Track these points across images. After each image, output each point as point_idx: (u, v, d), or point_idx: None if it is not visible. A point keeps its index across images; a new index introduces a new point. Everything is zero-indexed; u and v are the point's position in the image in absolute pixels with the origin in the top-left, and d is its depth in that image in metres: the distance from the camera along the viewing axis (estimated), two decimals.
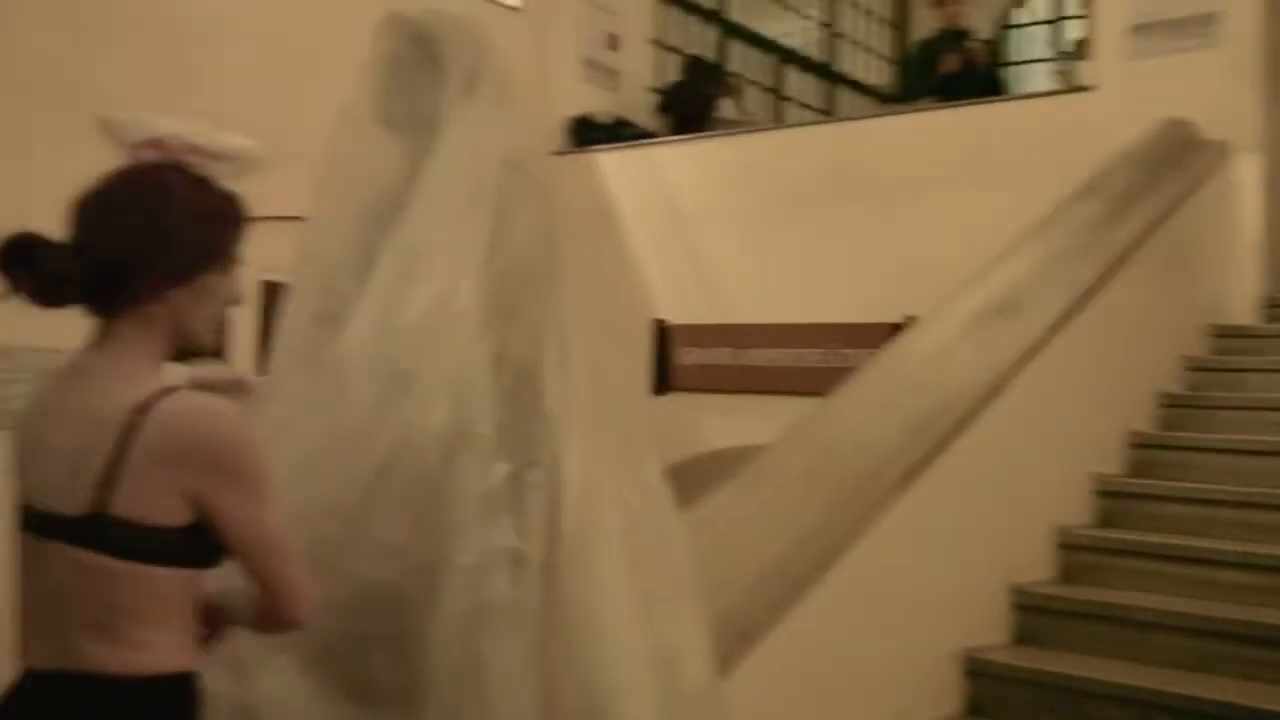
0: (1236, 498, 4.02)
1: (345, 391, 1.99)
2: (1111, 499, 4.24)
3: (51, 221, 1.58)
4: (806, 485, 3.20)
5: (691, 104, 8.07)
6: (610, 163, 7.50)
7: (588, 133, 7.70)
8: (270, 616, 1.62)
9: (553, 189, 2.26)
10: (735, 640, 2.64)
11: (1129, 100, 5.81)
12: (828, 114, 10.45)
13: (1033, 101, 7.00)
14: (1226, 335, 5.26)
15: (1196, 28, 5.88)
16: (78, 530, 1.51)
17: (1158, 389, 4.83)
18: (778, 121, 9.67)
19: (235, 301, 1.70)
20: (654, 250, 7.19)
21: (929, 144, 6.64)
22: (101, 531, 1.50)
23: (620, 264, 7.03)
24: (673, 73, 8.88)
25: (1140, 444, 4.53)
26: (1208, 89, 5.68)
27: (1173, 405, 4.77)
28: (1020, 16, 11.50)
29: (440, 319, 1.97)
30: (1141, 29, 6.02)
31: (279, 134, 5.80)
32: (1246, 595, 3.62)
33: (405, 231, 2.05)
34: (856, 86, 11.08)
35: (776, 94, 10.23)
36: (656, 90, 8.62)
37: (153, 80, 5.67)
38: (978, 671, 3.49)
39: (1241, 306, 5.48)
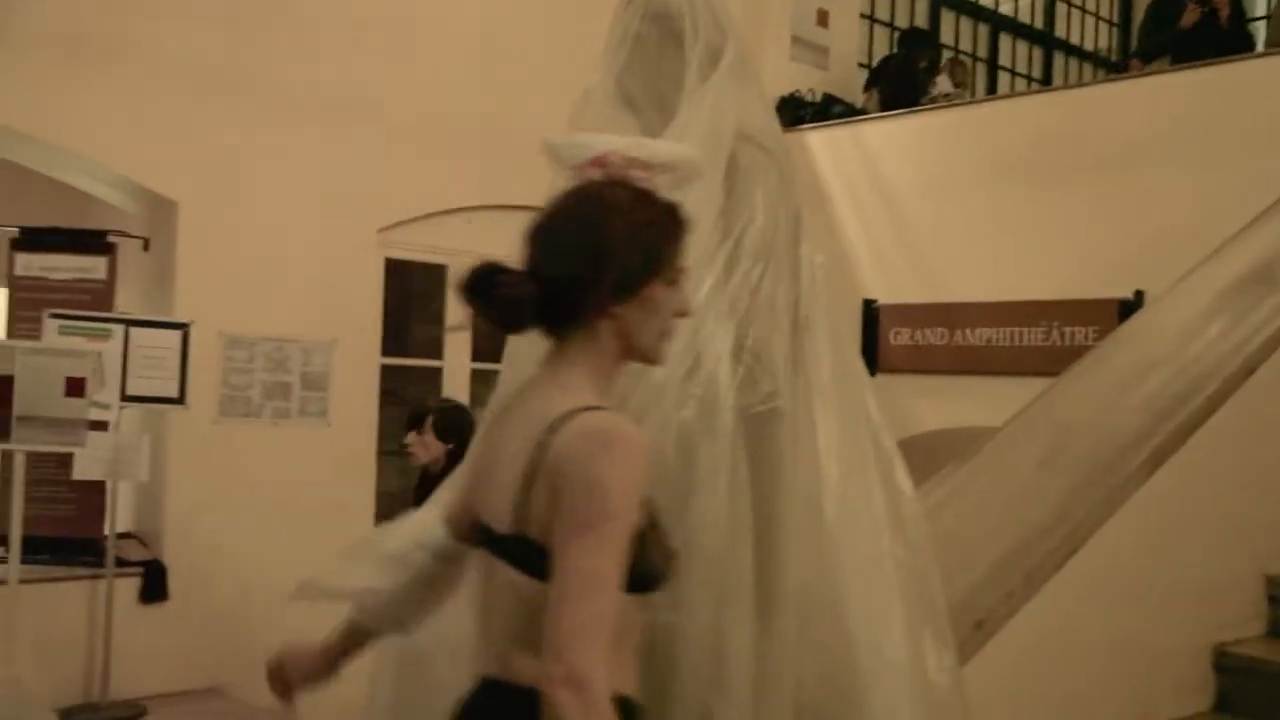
0: None
1: None
2: None
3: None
4: (1044, 470, 3.08)
5: (902, 78, 7.87)
6: (819, 141, 7.40)
7: (796, 111, 7.61)
8: (544, 647, 1.42)
9: (791, 165, 2.22)
10: (969, 630, 2.56)
11: None
12: (1046, 83, 10.02)
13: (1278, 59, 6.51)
14: None
15: None
16: (503, 547, 1.55)
17: None
18: (992, 92, 9.34)
19: (684, 313, 1.68)
20: (863, 229, 7.06)
21: (1161, 109, 6.28)
22: (518, 550, 1.52)
23: (830, 244, 6.92)
24: (884, 47, 8.69)
25: None
26: None
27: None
28: None
29: None
30: None
31: (501, 120, 6.02)
32: None
33: None
34: (1077, 52, 10.58)
35: (991, 64, 9.87)
36: (865, 65, 8.44)
37: (373, 75, 5.96)
38: (1228, 666, 3.28)
39: None
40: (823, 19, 8.20)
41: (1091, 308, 5.89)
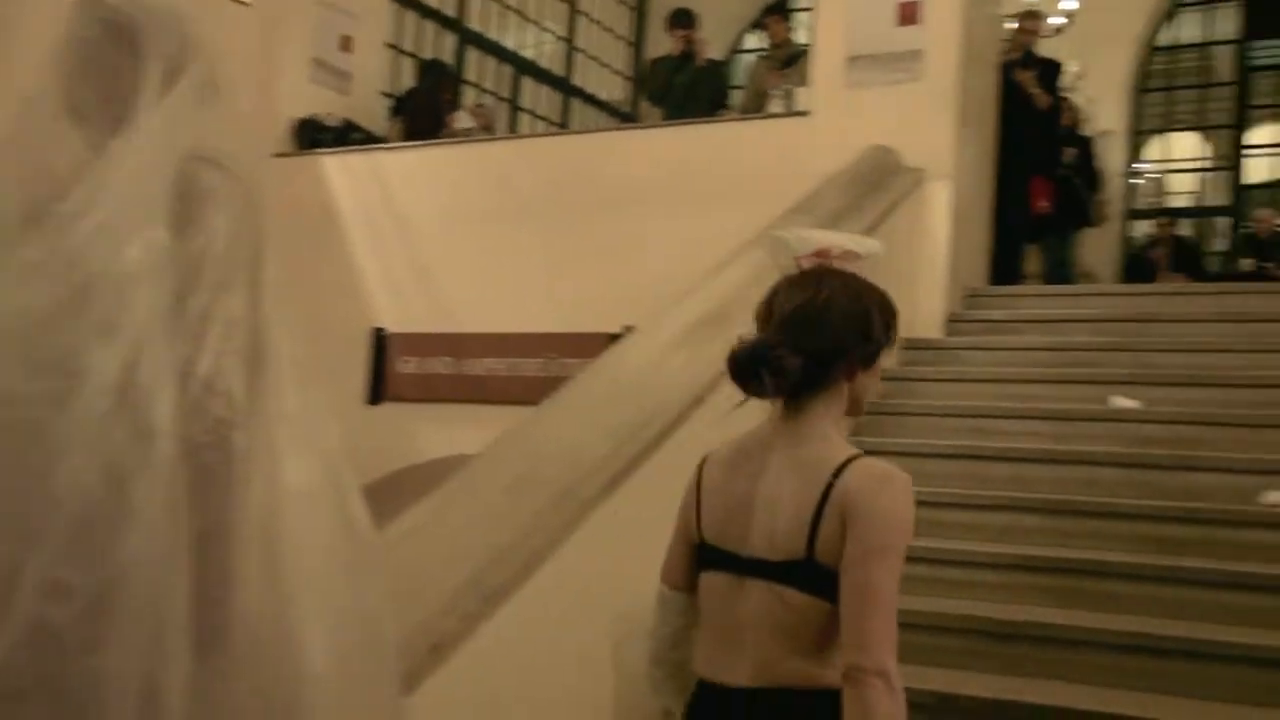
0: (917, 497, 4.31)
1: None
2: None
3: None
4: (511, 495, 3.22)
5: (425, 110, 8.01)
6: (336, 167, 7.36)
7: (314, 135, 7.52)
8: (844, 661, 1.75)
9: (258, 192, 2.18)
10: (425, 654, 2.63)
11: (842, 126, 6.19)
12: (563, 126, 10.59)
13: (755, 123, 7.32)
14: (914, 347, 5.68)
15: (903, 63, 6.31)
16: (786, 572, 1.81)
17: None
18: (512, 131, 9.74)
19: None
20: (377, 257, 7.09)
21: (656, 160, 6.85)
22: (807, 573, 1.79)
23: (342, 270, 6.88)
24: (408, 78, 8.79)
25: None
26: (911, 120, 6.11)
27: (866, 412, 5.07)
28: (751, 41, 12.01)
29: (93, 328, 1.85)
30: (856, 60, 6.41)
31: None
32: (915, 585, 3.87)
33: (48, 232, 1.91)
34: (592, 101, 11.28)
35: (512, 104, 10.29)
36: (390, 95, 8.50)
37: None
38: None
39: (929, 321, 5.93)
40: (346, 44, 8.17)
41: (585, 341, 6.26)
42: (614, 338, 6.05)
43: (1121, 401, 5.07)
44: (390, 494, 4.96)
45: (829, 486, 1.79)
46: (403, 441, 6.45)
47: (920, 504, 4.22)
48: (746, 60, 11.01)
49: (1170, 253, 9.19)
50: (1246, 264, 8.77)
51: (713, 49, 8.86)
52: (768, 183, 5.99)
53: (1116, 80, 11.21)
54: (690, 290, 4.58)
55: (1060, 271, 7.96)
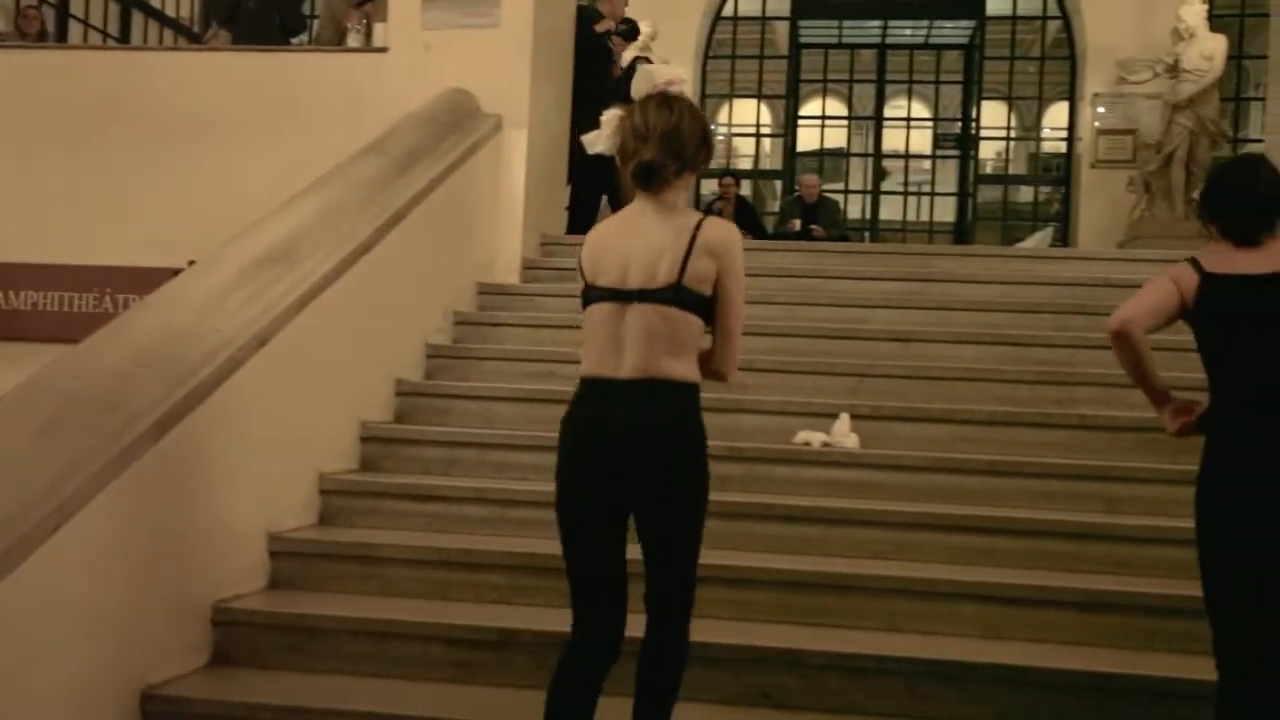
0: (483, 440, 4.46)
1: None
2: (376, 444, 4.46)
3: None
4: (43, 439, 2.93)
5: None
6: None
7: None
8: (716, 361, 2.72)
9: None
10: None
11: (421, 67, 6.10)
12: (123, 41, 9.72)
13: (331, 56, 7.07)
14: (491, 293, 5.78)
15: (482, 8, 6.29)
16: (665, 294, 2.61)
17: (427, 341, 5.16)
18: (61, 41, 8.81)
19: None
20: None
21: (226, 86, 6.47)
22: (682, 295, 2.61)
23: None
24: None
25: (407, 392, 4.83)
26: (488, 66, 6.13)
27: (439, 356, 5.16)
28: None
29: None
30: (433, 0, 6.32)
31: None
32: (483, 527, 4.04)
33: None
34: (158, 16, 10.43)
35: (60, 10, 9.29)
36: None
37: None
38: (226, 621, 3.45)
39: (506, 266, 6.04)
40: None
41: (147, 276, 5.81)
42: (179, 273, 5.67)
43: None
44: None
45: (694, 237, 2.62)
46: None
47: (491, 446, 4.39)
48: None
49: (733, 210, 9.87)
50: (795, 224, 9.56)
51: None
52: (342, 118, 5.85)
53: (688, 46, 11.86)
54: (253, 226, 4.35)
55: None
